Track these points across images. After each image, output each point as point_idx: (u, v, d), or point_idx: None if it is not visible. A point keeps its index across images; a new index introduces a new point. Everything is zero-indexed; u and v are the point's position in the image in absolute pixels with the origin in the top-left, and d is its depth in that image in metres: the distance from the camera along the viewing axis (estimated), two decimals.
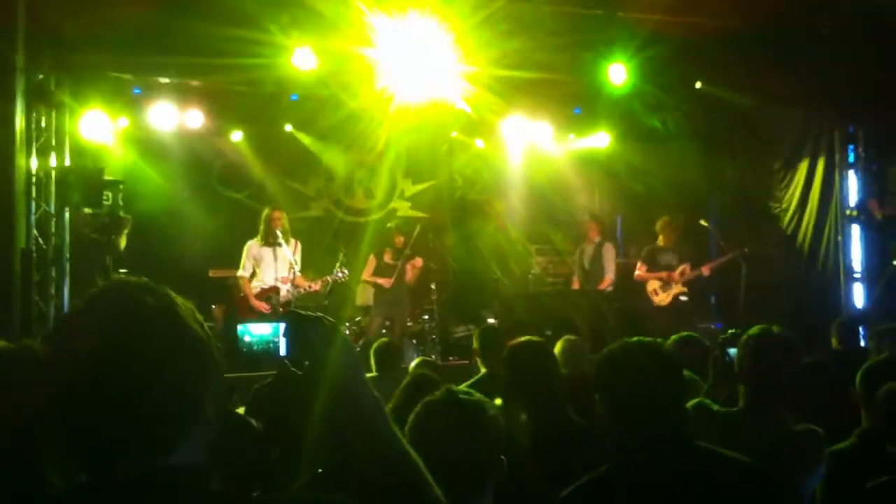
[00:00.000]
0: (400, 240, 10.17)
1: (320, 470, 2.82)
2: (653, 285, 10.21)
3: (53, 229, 8.46)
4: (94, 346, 1.36)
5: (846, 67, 9.59)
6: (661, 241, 10.35)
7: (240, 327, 8.78)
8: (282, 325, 1.68)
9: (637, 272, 10.39)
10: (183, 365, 1.42)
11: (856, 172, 10.61)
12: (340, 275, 9.48)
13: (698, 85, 10.85)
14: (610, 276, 10.69)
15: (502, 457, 2.31)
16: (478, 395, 2.42)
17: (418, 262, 10.07)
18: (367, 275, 10.28)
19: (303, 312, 1.66)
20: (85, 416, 1.36)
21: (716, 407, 3.41)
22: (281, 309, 9.06)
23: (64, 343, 1.42)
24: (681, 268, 10.10)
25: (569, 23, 9.72)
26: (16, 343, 2.52)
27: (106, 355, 1.36)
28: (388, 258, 10.17)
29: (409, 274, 10.11)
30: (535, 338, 4.01)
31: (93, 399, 1.35)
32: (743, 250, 10.14)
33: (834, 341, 6.42)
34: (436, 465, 2.04)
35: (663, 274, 10.13)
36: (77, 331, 1.40)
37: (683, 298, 10.12)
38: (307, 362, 1.61)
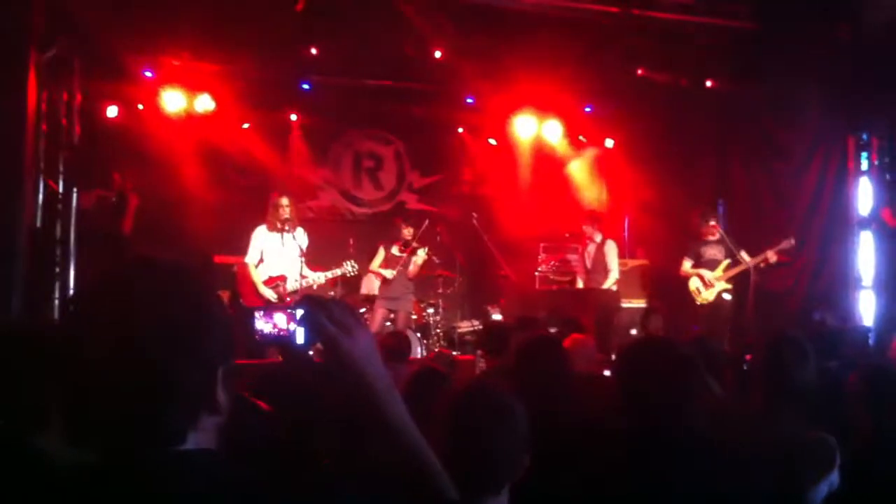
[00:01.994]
0: (403, 233, 10.13)
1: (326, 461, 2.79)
2: (695, 283, 10.09)
3: (62, 208, 8.43)
4: (117, 324, 1.32)
5: (861, 74, 9.54)
6: (704, 233, 10.20)
7: (256, 314, 8.70)
8: (298, 313, 1.64)
9: (681, 269, 10.24)
10: (209, 346, 1.38)
11: (869, 180, 10.55)
12: (350, 268, 9.45)
13: (705, 86, 10.80)
14: (614, 274, 10.56)
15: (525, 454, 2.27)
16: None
17: (417, 252, 10.02)
18: (374, 265, 10.25)
19: (318, 297, 1.62)
20: (104, 396, 1.32)
21: (727, 409, 3.39)
22: (288, 298, 9.01)
23: (85, 320, 1.37)
24: (726, 263, 9.98)
25: (582, 20, 9.69)
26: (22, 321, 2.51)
27: (128, 333, 1.32)
28: (395, 250, 10.14)
29: (414, 267, 10.06)
30: (546, 334, 3.98)
31: (112, 379, 1.31)
32: (790, 242, 9.92)
33: (846, 348, 6.37)
34: (467, 456, 2.02)
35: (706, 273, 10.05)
36: (100, 308, 1.36)
37: (727, 297, 9.99)
38: (322, 348, 1.58)
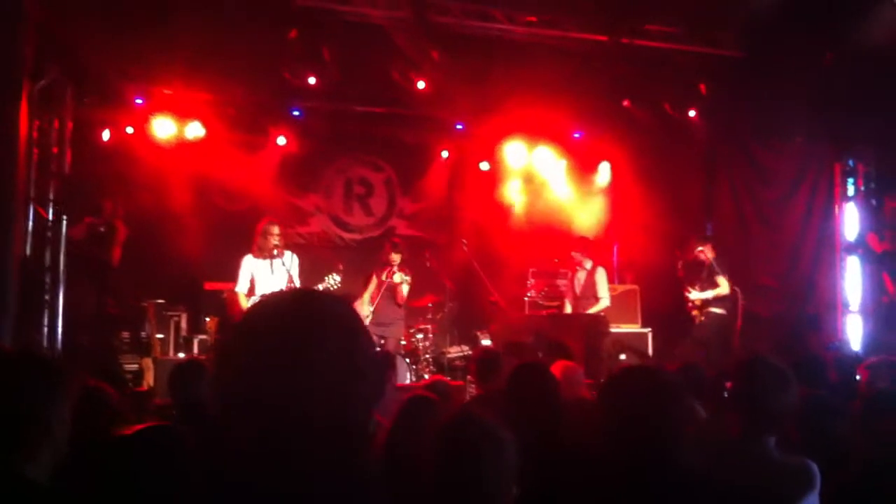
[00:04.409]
0: (391, 258, 10.12)
1: None
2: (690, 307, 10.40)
3: (52, 236, 8.42)
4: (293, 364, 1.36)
5: (848, 102, 9.63)
6: (696, 260, 10.47)
7: None
8: None
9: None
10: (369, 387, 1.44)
11: (856, 206, 10.65)
12: (332, 283, 9.42)
13: (692, 113, 10.91)
14: (605, 301, 10.55)
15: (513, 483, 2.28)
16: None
17: (393, 278, 10.01)
18: (368, 292, 10.25)
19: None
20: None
21: (709, 436, 3.41)
22: None
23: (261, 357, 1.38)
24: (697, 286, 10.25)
25: (571, 48, 9.79)
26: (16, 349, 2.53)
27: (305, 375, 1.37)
28: (383, 275, 10.13)
29: (400, 293, 10.02)
30: (535, 361, 4.00)
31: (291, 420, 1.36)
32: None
33: (832, 374, 6.39)
34: (455, 486, 2.03)
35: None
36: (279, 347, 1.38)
37: (703, 319, 10.20)
38: None
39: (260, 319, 1.42)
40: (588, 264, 10.61)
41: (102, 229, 9.83)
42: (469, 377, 8.89)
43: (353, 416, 1.36)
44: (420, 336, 11.09)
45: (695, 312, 10.28)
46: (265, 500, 1.32)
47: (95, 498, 2.48)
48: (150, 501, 2.44)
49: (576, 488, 2.74)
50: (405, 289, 10.00)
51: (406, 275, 10.01)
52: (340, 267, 10.10)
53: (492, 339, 10.87)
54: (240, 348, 1.39)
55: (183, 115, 10.81)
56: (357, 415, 1.37)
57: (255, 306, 1.46)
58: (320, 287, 9.36)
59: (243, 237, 9.94)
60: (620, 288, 11.65)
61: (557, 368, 5.26)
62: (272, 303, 1.44)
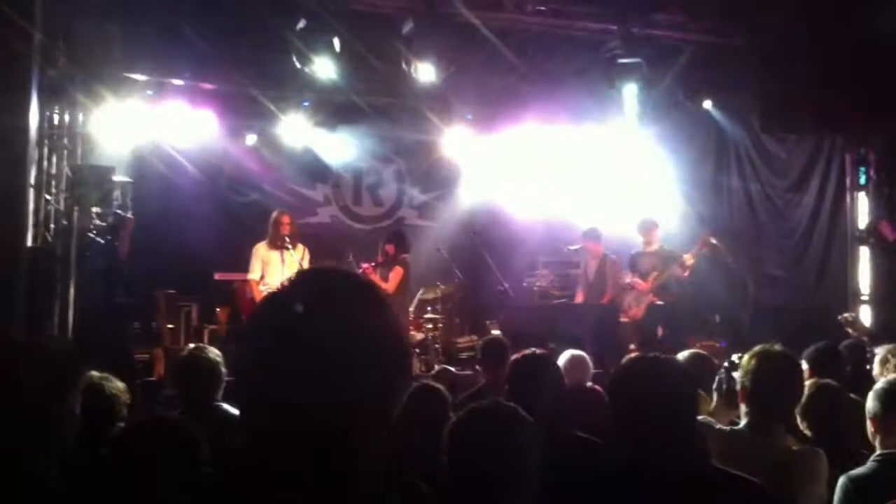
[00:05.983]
0: (390, 247, 10.07)
1: None
2: (627, 298, 10.15)
3: (63, 226, 8.45)
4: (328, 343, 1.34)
5: (858, 91, 9.57)
6: (643, 244, 10.29)
7: None
8: None
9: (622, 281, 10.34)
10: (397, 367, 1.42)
11: (867, 195, 10.60)
12: None
13: (707, 104, 10.85)
14: (611, 291, 10.51)
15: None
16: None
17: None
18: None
19: None
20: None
21: (718, 425, 3.42)
22: None
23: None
24: (653, 275, 10.04)
25: (582, 38, 9.76)
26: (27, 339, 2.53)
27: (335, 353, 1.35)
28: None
29: (391, 282, 9.99)
30: (539, 350, 3.99)
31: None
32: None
33: (844, 362, 6.37)
34: (476, 473, 2.02)
35: (632, 283, 10.15)
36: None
37: (660, 303, 10.04)
38: None
39: (275, 299, 1.41)
40: (600, 253, 10.58)
41: (111, 220, 9.83)
42: (477, 366, 8.90)
43: (365, 397, 1.34)
44: (430, 326, 11.09)
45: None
46: (268, 485, 1.32)
47: (103, 490, 2.49)
48: (158, 493, 2.45)
49: (581, 478, 2.73)
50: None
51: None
52: (350, 258, 10.12)
53: (501, 329, 10.85)
54: (253, 332, 1.39)
55: (193, 105, 10.78)
56: (371, 394, 1.35)
57: (271, 291, 1.45)
58: None
59: (253, 227, 9.97)
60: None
61: (564, 358, 5.26)
62: (288, 283, 1.43)
